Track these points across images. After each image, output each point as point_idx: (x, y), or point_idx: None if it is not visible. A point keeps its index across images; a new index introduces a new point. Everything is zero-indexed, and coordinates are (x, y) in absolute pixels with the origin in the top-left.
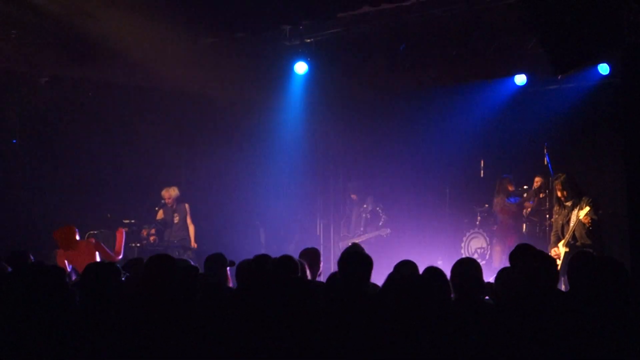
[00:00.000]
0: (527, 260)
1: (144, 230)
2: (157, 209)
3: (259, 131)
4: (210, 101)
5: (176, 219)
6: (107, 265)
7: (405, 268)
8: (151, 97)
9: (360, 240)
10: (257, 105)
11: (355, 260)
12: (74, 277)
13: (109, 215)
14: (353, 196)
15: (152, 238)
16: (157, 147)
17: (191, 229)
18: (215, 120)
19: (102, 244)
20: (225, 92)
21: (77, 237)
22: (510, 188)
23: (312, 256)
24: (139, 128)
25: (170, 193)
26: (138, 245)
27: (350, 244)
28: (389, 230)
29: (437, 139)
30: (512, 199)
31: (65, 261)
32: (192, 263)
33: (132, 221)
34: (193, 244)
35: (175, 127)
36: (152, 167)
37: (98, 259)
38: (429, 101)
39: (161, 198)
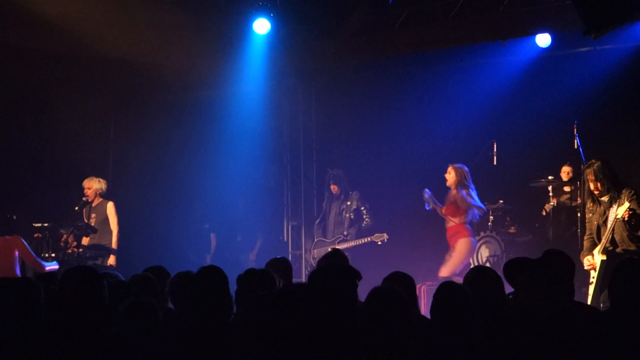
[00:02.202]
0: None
1: (63, 236)
2: (76, 208)
3: (208, 108)
4: (145, 70)
5: (92, 221)
6: (22, 280)
7: (397, 282)
8: (71, 66)
9: (343, 247)
10: (205, 75)
11: (336, 275)
12: None
13: (14, 216)
14: (333, 187)
15: (73, 245)
16: (78, 129)
17: (114, 234)
18: (152, 95)
19: (29, 247)
20: (163, 58)
21: None
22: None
23: (281, 268)
24: (55, 105)
25: (92, 184)
26: (53, 255)
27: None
28: (386, 236)
29: (438, 116)
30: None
31: None
32: (121, 278)
33: (45, 224)
34: (110, 262)
35: (100, 103)
36: (71, 154)
37: (17, 266)
38: (426, 68)
39: (81, 195)
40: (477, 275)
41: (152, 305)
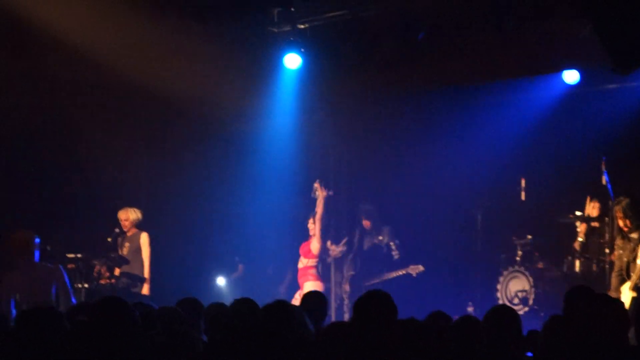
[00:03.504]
0: (587, 304)
1: (96, 267)
2: (109, 239)
3: (239, 142)
4: (177, 103)
5: (125, 250)
6: (47, 311)
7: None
8: (103, 96)
9: (376, 281)
10: (236, 109)
11: (379, 306)
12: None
13: (47, 247)
14: (365, 223)
15: (105, 276)
16: (110, 159)
17: (146, 265)
18: (183, 127)
19: (67, 278)
20: (196, 91)
21: (36, 252)
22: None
23: (317, 302)
24: (87, 136)
25: (129, 215)
26: (86, 286)
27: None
28: (422, 268)
29: (466, 152)
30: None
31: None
32: (154, 307)
33: (79, 255)
34: (145, 292)
35: (132, 134)
36: (103, 185)
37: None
38: (454, 104)
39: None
40: (496, 314)
41: (190, 337)
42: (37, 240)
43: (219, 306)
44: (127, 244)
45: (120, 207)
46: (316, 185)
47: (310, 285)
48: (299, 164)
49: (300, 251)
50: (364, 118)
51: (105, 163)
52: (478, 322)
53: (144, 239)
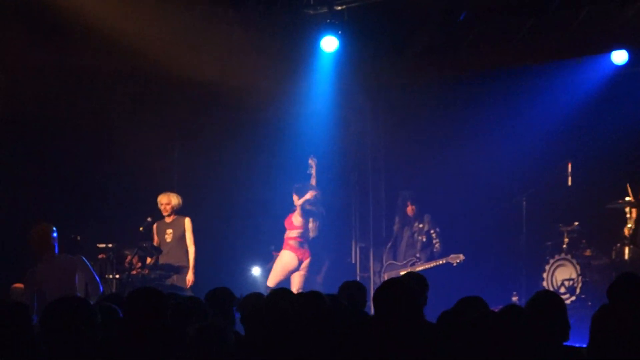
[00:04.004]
0: (634, 294)
1: (127, 257)
2: (141, 228)
3: (274, 128)
4: (210, 90)
5: (168, 237)
6: (78, 302)
7: (471, 308)
8: (134, 84)
9: (416, 270)
10: (271, 94)
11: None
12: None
13: (78, 237)
14: (411, 208)
15: (137, 267)
16: (142, 148)
17: (191, 251)
18: (216, 114)
19: (90, 266)
20: (228, 77)
21: (55, 245)
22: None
23: (355, 292)
24: (118, 124)
25: (171, 199)
26: (117, 277)
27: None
28: (462, 257)
29: (509, 136)
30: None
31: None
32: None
33: (109, 245)
34: (189, 279)
35: (164, 123)
36: (134, 174)
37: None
38: (497, 87)
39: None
40: (541, 299)
41: (223, 329)
42: (55, 233)
43: (255, 297)
44: (169, 231)
45: (152, 196)
46: (310, 161)
47: (286, 254)
48: (336, 150)
49: (285, 223)
50: (403, 102)
51: (137, 151)
52: (521, 310)
53: (188, 224)
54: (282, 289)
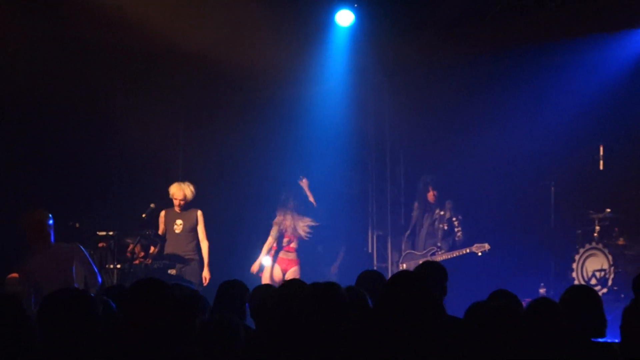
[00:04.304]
0: None
1: (129, 246)
2: (144, 215)
3: (285, 107)
4: (218, 67)
5: (178, 228)
6: (78, 294)
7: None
8: (137, 60)
9: (436, 260)
10: (283, 72)
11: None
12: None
13: (76, 224)
14: (432, 193)
15: (139, 256)
16: (145, 129)
17: (205, 246)
18: (224, 94)
19: (88, 255)
20: (238, 53)
21: (51, 233)
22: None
23: (374, 283)
24: (120, 104)
25: (185, 193)
26: (118, 267)
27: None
28: (487, 246)
29: (537, 116)
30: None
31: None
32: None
33: (110, 233)
34: (205, 276)
35: (169, 102)
36: (137, 157)
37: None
38: (523, 63)
39: (149, 201)
40: (575, 295)
41: (233, 324)
42: (51, 221)
43: (265, 289)
44: (179, 221)
45: (155, 180)
46: (301, 183)
47: (266, 269)
48: (352, 132)
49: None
50: (424, 81)
51: (140, 133)
52: (555, 304)
53: (201, 217)
54: (294, 281)
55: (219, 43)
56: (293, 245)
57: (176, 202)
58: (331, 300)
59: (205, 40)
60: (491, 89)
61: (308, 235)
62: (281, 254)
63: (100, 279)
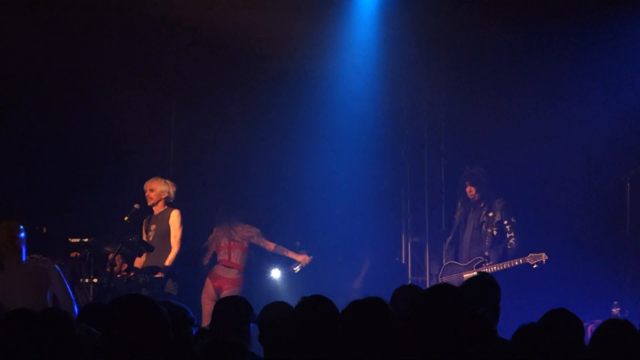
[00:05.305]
0: None
1: (109, 255)
2: (126, 218)
3: (300, 86)
4: (225, 42)
5: (151, 233)
6: (51, 314)
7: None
8: (122, 31)
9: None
10: (300, 42)
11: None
12: None
13: (44, 229)
14: (469, 190)
15: (122, 268)
16: (130, 110)
17: (171, 253)
18: (225, 70)
19: (63, 277)
20: (249, 29)
21: (23, 248)
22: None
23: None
24: (102, 83)
25: (155, 185)
26: (95, 281)
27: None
28: (545, 257)
29: (608, 98)
30: None
31: None
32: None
33: (85, 240)
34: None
35: (158, 78)
36: (119, 145)
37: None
38: (591, 34)
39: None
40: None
41: (238, 348)
42: (23, 233)
43: (278, 307)
44: (153, 226)
45: (142, 175)
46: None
47: (206, 281)
48: (382, 116)
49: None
50: (468, 55)
51: (123, 116)
52: (632, 328)
53: (174, 217)
54: (317, 298)
55: (226, 18)
56: (235, 259)
57: (146, 195)
58: (378, 324)
59: (208, 4)
60: (551, 65)
61: (252, 240)
62: (217, 269)
63: (76, 308)
